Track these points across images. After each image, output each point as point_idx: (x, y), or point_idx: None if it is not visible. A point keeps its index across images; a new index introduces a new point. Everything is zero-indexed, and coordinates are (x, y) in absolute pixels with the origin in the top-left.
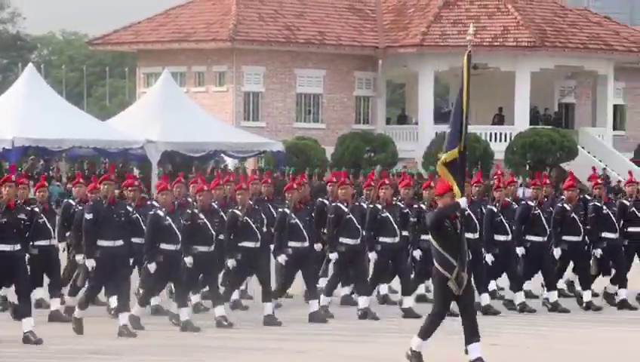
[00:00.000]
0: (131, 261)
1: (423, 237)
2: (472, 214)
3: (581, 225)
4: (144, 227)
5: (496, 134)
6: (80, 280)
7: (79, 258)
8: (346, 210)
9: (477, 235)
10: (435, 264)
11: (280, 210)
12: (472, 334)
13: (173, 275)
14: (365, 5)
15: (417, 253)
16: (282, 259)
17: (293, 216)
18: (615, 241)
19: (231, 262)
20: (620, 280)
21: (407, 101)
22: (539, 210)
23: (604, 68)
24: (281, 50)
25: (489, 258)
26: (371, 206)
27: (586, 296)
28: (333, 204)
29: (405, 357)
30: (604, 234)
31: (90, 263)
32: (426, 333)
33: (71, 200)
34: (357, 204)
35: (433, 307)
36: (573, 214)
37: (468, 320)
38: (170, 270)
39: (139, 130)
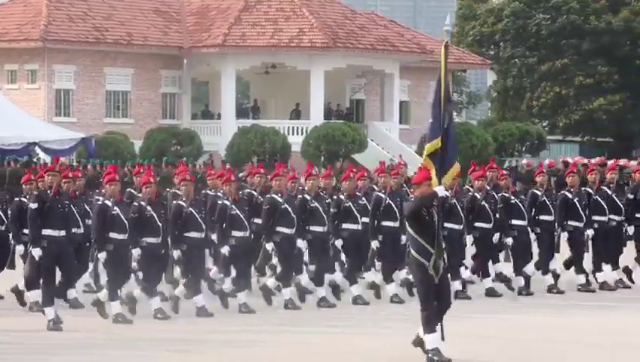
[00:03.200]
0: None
1: (344, 226)
2: (391, 204)
3: (491, 213)
4: (78, 218)
5: (293, 128)
6: (25, 271)
7: (20, 248)
8: (280, 200)
9: (397, 223)
10: (412, 252)
11: (220, 201)
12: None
13: (121, 264)
14: (170, 8)
15: (339, 243)
16: (225, 250)
17: (233, 207)
18: (525, 228)
19: (176, 253)
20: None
21: (211, 97)
22: (454, 200)
23: (391, 67)
24: (90, 50)
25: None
26: (300, 196)
27: (487, 282)
28: (268, 196)
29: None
30: (514, 222)
31: (37, 252)
32: (430, 326)
33: None
34: (291, 194)
35: (419, 297)
36: (483, 202)
37: (440, 310)
38: (120, 259)
39: None
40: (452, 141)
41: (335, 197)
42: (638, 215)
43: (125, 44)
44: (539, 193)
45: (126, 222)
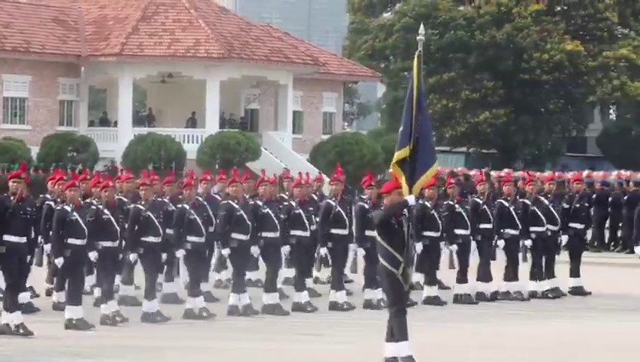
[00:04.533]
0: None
1: (293, 232)
2: (341, 211)
3: (440, 222)
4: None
5: (189, 136)
6: None
7: None
8: (237, 206)
9: (347, 231)
10: (381, 260)
11: (179, 206)
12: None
13: (80, 270)
14: (68, 17)
15: (286, 249)
16: (180, 253)
17: (192, 212)
18: (467, 237)
19: (133, 257)
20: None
21: (108, 105)
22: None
23: (285, 78)
24: None
25: (360, 252)
26: (252, 203)
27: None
28: (225, 201)
29: None
30: (458, 231)
31: None
32: (402, 333)
33: None
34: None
35: (389, 305)
36: (433, 211)
37: None
38: (79, 264)
39: None
40: (425, 151)
41: (286, 203)
42: (572, 224)
43: (23, 51)
44: (480, 201)
45: (85, 227)
